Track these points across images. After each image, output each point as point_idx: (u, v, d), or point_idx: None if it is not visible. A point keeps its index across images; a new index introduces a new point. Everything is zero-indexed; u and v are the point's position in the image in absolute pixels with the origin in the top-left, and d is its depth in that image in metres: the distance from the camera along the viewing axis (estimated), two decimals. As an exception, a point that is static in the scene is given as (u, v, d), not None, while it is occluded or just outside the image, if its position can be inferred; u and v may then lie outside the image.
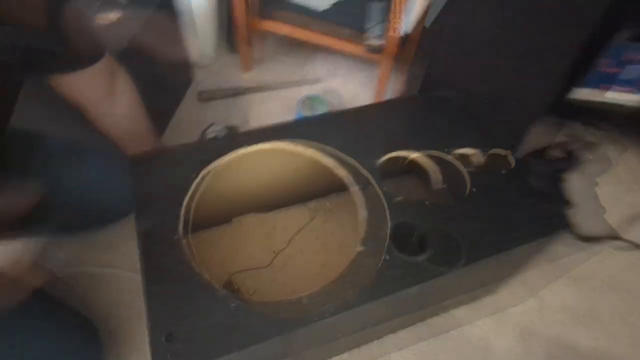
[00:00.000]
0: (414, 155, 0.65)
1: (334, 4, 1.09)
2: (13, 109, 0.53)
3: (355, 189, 0.60)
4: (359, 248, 0.53)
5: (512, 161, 0.67)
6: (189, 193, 0.59)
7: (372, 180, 0.61)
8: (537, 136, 1.07)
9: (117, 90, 0.61)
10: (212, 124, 1.01)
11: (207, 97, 1.11)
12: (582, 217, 0.95)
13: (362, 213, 0.58)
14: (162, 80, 1.02)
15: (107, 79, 0.59)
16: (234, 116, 1.08)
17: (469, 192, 0.62)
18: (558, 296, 0.82)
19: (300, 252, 0.80)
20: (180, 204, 0.57)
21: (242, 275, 0.76)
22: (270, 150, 0.66)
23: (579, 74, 0.99)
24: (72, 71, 0.53)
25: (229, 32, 1.20)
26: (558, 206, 0.95)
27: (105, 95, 0.60)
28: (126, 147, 0.69)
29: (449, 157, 0.66)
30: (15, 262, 0.42)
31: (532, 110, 0.94)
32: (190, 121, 1.06)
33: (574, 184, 1.01)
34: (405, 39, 1.02)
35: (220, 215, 0.81)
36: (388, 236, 0.55)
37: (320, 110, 1.09)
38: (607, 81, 0.98)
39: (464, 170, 0.64)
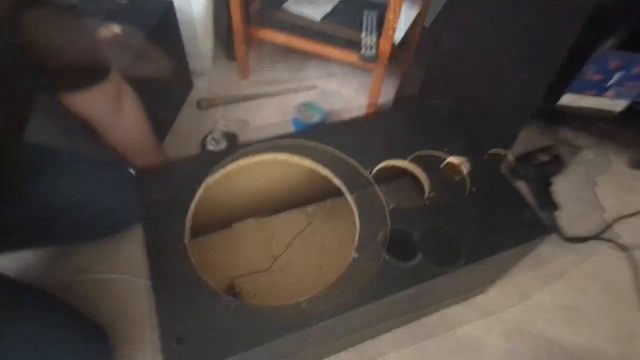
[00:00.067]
0: (405, 163, 0.69)
1: (330, 14, 1.12)
2: (27, 123, 0.56)
3: (350, 197, 0.63)
4: (355, 254, 0.57)
5: (512, 161, 0.71)
6: (194, 203, 0.62)
7: (366, 189, 0.64)
8: (526, 141, 1.12)
9: (123, 105, 0.64)
10: (211, 132, 1.05)
11: (206, 105, 1.14)
12: (568, 218, 0.99)
13: (357, 221, 0.61)
14: (162, 88, 1.05)
15: (114, 95, 0.62)
16: (233, 123, 1.11)
17: (460, 198, 0.65)
18: (545, 295, 0.86)
19: (299, 256, 0.83)
20: (185, 214, 0.60)
21: (242, 279, 0.79)
22: (269, 161, 0.69)
23: (565, 81, 1.04)
24: (80, 90, 0.56)
25: (227, 40, 1.23)
26: (545, 209, 1.00)
27: (112, 111, 0.63)
28: (132, 159, 0.72)
29: (439, 166, 0.69)
30: None
31: (520, 115, 0.98)
32: (190, 129, 1.09)
33: (561, 186, 1.06)
34: (401, 45, 1.05)
35: (221, 220, 0.84)
36: (382, 242, 0.58)
37: (316, 116, 1.12)
38: (592, 88, 1.03)
39: (453, 177, 0.68)
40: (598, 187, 1.07)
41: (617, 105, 1.05)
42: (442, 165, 0.70)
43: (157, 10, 0.96)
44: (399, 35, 1.04)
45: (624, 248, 0.94)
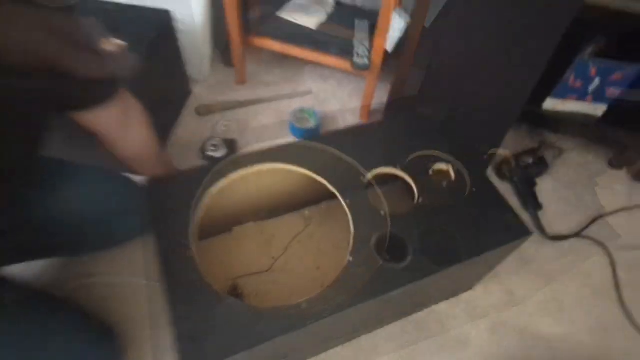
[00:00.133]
0: (395, 171, 0.74)
1: (323, 23, 1.16)
2: (44, 141, 0.59)
3: (344, 203, 0.68)
4: (349, 258, 0.62)
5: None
6: (199, 213, 0.66)
7: (360, 196, 0.69)
8: (512, 143, 1.17)
9: (130, 118, 0.68)
10: (211, 138, 1.08)
11: (204, 111, 1.18)
12: (551, 217, 1.05)
13: (351, 226, 0.66)
14: (162, 96, 1.09)
15: (122, 110, 0.65)
16: (231, 129, 1.15)
17: (446, 203, 0.70)
18: (527, 290, 0.92)
19: (297, 257, 0.88)
20: (193, 222, 0.65)
21: (244, 279, 0.84)
22: (267, 170, 0.74)
23: (548, 86, 1.09)
24: (90, 109, 0.60)
25: (224, 47, 1.27)
26: (529, 208, 1.05)
27: (120, 124, 0.66)
28: (140, 170, 0.76)
29: (428, 172, 0.74)
30: None
31: (506, 118, 1.03)
32: (190, 135, 1.13)
33: (545, 187, 1.11)
34: (394, 51, 1.09)
35: (223, 224, 0.88)
36: (375, 246, 0.63)
37: (311, 121, 1.17)
38: (574, 92, 1.08)
39: (442, 184, 0.73)
40: (579, 187, 1.13)
41: (599, 109, 1.11)
42: (430, 171, 0.74)
43: (156, 20, 0.99)
44: (391, 43, 1.08)
45: (602, 245, 1.00)
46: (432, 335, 0.84)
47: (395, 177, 0.75)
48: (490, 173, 1.13)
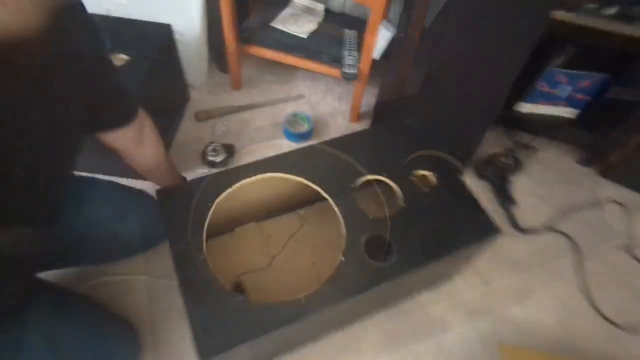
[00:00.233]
0: (381, 178, 0.82)
1: (314, 33, 1.23)
2: (77, 157, 0.66)
3: (337, 209, 0.77)
4: (342, 258, 0.71)
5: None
6: (208, 219, 0.75)
7: (350, 202, 0.78)
8: (490, 145, 1.27)
9: (146, 135, 0.75)
10: (211, 143, 1.16)
11: (203, 117, 1.25)
12: (524, 212, 1.16)
13: (342, 229, 0.75)
14: (164, 104, 1.15)
15: (139, 127, 0.72)
16: (229, 134, 1.23)
17: (425, 206, 0.80)
18: (501, 279, 1.03)
19: (294, 255, 0.97)
20: (202, 229, 0.73)
21: (247, 276, 0.93)
22: (267, 178, 0.82)
23: (523, 92, 1.18)
24: (116, 130, 0.67)
25: (219, 54, 1.33)
26: (505, 205, 1.15)
27: (137, 141, 0.73)
28: (152, 180, 0.83)
29: (411, 178, 0.83)
30: None
31: (484, 120, 1.12)
32: (191, 141, 1.20)
33: (519, 184, 1.22)
34: (382, 58, 1.17)
35: (226, 226, 0.97)
36: (364, 247, 0.72)
37: (304, 125, 1.25)
38: (544, 98, 1.18)
39: (422, 189, 0.82)
40: (551, 184, 1.23)
41: (571, 113, 1.21)
42: (413, 177, 0.83)
43: (158, 35, 1.05)
44: (378, 51, 1.16)
45: (570, 237, 1.11)
46: (416, 322, 0.94)
47: (382, 183, 0.84)
48: (470, 172, 1.23)
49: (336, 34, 1.24)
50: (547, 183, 1.23)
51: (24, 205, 0.54)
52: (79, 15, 0.53)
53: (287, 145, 1.23)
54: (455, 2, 0.90)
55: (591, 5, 0.97)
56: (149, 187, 0.96)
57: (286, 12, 1.29)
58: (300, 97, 1.36)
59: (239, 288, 0.90)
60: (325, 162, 0.84)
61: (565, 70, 1.09)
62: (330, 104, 1.36)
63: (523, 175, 1.24)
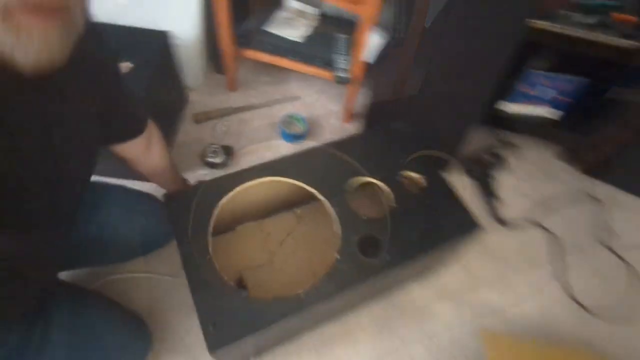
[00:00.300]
0: (373, 180, 0.89)
1: (307, 37, 1.28)
2: (93, 170, 0.71)
3: (332, 210, 0.83)
4: (337, 255, 0.78)
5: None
6: (212, 221, 0.80)
7: (344, 203, 0.84)
8: (475, 143, 1.33)
9: (153, 143, 0.80)
10: (210, 144, 1.21)
11: (201, 118, 1.30)
12: (506, 205, 1.23)
13: (337, 228, 0.81)
14: (165, 107, 1.20)
15: (148, 137, 0.78)
16: (227, 135, 1.28)
17: (413, 206, 0.86)
18: (482, 269, 1.10)
19: (292, 251, 1.03)
20: (207, 230, 0.79)
21: (248, 272, 0.99)
22: (266, 181, 0.88)
23: (506, 94, 1.25)
24: (125, 142, 0.72)
25: (215, 55, 1.37)
26: (488, 199, 1.23)
27: (145, 149, 0.79)
28: (156, 183, 0.89)
29: (400, 180, 0.90)
30: None
31: (469, 119, 1.18)
32: (190, 142, 1.25)
33: (502, 180, 1.29)
34: (375, 62, 1.22)
35: (227, 225, 1.03)
36: (357, 245, 0.79)
37: (300, 126, 1.30)
38: (525, 98, 1.25)
39: (411, 189, 0.89)
40: (533, 180, 1.31)
41: (553, 113, 1.28)
42: (402, 179, 0.90)
43: (158, 41, 1.09)
44: (372, 56, 1.21)
45: (547, 229, 1.19)
46: (405, 311, 1.01)
47: (373, 184, 0.90)
48: (456, 169, 1.30)
49: (329, 37, 1.28)
50: (529, 179, 1.31)
51: (46, 213, 0.59)
52: (96, 35, 0.57)
53: (283, 146, 1.29)
54: (449, 7, 0.94)
55: (570, 13, 1.04)
56: (151, 188, 1.02)
57: (280, 15, 1.33)
58: (295, 98, 1.41)
59: (240, 283, 0.97)
60: (320, 165, 0.90)
61: (545, 73, 1.16)
62: (324, 105, 1.41)
63: (506, 171, 1.31)
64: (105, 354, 0.75)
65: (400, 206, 0.86)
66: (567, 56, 1.13)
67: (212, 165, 1.19)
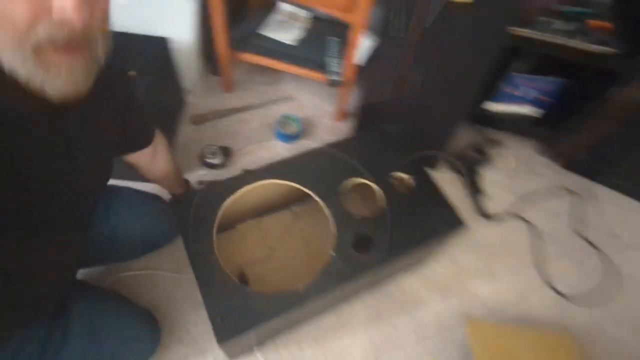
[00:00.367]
0: (365, 181, 0.95)
1: (300, 40, 1.32)
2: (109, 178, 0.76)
3: (327, 210, 0.90)
4: (332, 253, 0.84)
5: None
6: (216, 222, 0.86)
7: (338, 203, 0.91)
8: (462, 140, 1.40)
9: (159, 151, 0.86)
10: (208, 145, 1.26)
11: (199, 120, 1.34)
12: (490, 200, 1.31)
13: (332, 228, 0.88)
14: (164, 111, 1.24)
15: (154, 146, 0.83)
16: (225, 135, 1.33)
17: (403, 205, 0.93)
18: (467, 260, 1.18)
19: (289, 247, 1.10)
20: (212, 231, 0.85)
21: (249, 267, 1.05)
22: (265, 184, 0.93)
23: (491, 94, 1.31)
24: (136, 152, 0.78)
25: (210, 57, 1.41)
26: (473, 194, 1.30)
27: (152, 157, 0.84)
28: (160, 184, 0.94)
29: (391, 180, 0.96)
30: None
31: (455, 118, 1.24)
32: (189, 143, 1.30)
33: (487, 176, 1.36)
34: (366, 63, 1.28)
35: (228, 223, 1.08)
36: (351, 243, 0.86)
37: (294, 127, 1.35)
38: (508, 98, 1.31)
39: (401, 190, 0.95)
40: (515, 174, 1.38)
41: (535, 112, 1.35)
42: (392, 180, 0.96)
43: (157, 48, 1.14)
44: (362, 58, 1.26)
45: (528, 221, 1.27)
46: (396, 301, 1.09)
47: (366, 185, 0.97)
48: (443, 166, 1.37)
49: (321, 40, 1.33)
50: (511, 174, 1.38)
51: (67, 220, 0.65)
52: (118, 68, 0.62)
53: (279, 146, 1.34)
54: (440, 15, 0.99)
55: (551, 20, 1.10)
56: (154, 188, 1.07)
57: (273, 18, 1.37)
58: (289, 98, 1.46)
59: (242, 278, 1.03)
60: (315, 167, 0.96)
61: (528, 76, 1.23)
62: (318, 105, 1.47)
63: (490, 167, 1.39)
64: (119, 346, 0.81)
65: (391, 206, 0.93)
66: (547, 59, 1.20)
67: (211, 166, 1.24)
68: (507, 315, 1.10)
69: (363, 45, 1.26)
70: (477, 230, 1.24)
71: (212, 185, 0.91)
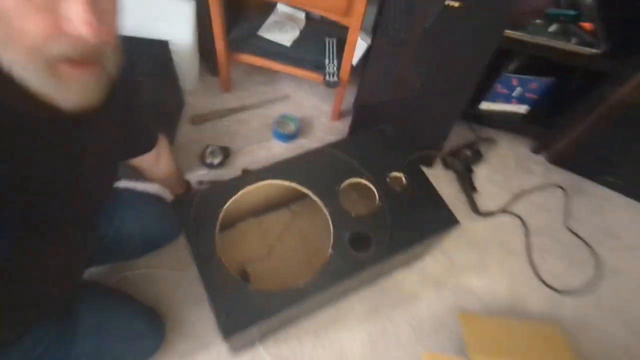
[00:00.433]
0: (362, 181, 0.98)
1: (297, 41, 1.35)
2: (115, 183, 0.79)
3: (325, 209, 0.93)
4: (331, 251, 0.87)
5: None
6: (219, 221, 0.89)
7: (336, 202, 0.94)
8: (455, 138, 1.44)
9: (162, 154, 0.88)
10: (208, 146, 1.28)
11: (199, 120, 1.36)
12: (483, 197, 1.34)
13: (330, 227, 0.91)
14: (164, 112, 1.27)
15: (157, 149, 0.85)
16: (224, 135, 1.35)
17: (398, 204, 0.96)
18: (462, 256, 1.22)
19: (288, 245, 1.13)
20: (214, 231, 0.88)
21: (250, 265, 1.09)
22: (265, 184, 0.96)
23: (483, 93, 1.34)
24: (140, 156, 0.80)
25: (208, 58, 1.42)
26: (467, 192, 1.33)
27: (155, 159, 0.87)
28: (163, 185, 0.96)
29: (387, 180, 0.99)
30: None
31: (453, 117, 1.28)
32: (188, 143, 1.32)
33: (480, 173, 1.40)
34: (360, 63, 1.30)
35: (229, 222, 1.11)
36: (348, 241, 0.89)
37: (292, 126, 1.38)
38: (501, 97, 1.35)
39: (397, 189, 0.99)
40: (507, 171, 1.42)
41: (522, 109, 1.38)
42: (388, 179, 0.99)
43: (158, 51, 1.16)
44: (355, 59, 1.29)
45: (519, 217, 1.31)
46: (393, 295, 1.12)
47: (362, 185, 1.00)
48: (438, 163, 1.40)
49: (317, 41, 1.35)
50: (503, 171, 1.42)
51: (77, 220, 0.67)
52: (126, 77, 0.64)
53: (277, 145, 1.37)
54: (438, 19, 1.02)
55: (542, 23, 1.13)
56: (155, 187, 1.10)
57: (270, 19, 1.39)
58: (286, 97, 1.49)
59: (243, 275, 1.06)
60: (313, 167, 0.99)
61: (516, 75, 1.26)
62: (314, 104, 1.49)
63: (483, 164, 1.42)
64: (126, 343, 0.84)
65: (388, 204, 0.96)
66: (538, 60, 1.23)
67: (211, 166, 1.27)
68: (499, 308, 1.14)
69: (359, 46, 1.28)
70: (472, 227, 1.28)
71: (213, 186, 0.94)
